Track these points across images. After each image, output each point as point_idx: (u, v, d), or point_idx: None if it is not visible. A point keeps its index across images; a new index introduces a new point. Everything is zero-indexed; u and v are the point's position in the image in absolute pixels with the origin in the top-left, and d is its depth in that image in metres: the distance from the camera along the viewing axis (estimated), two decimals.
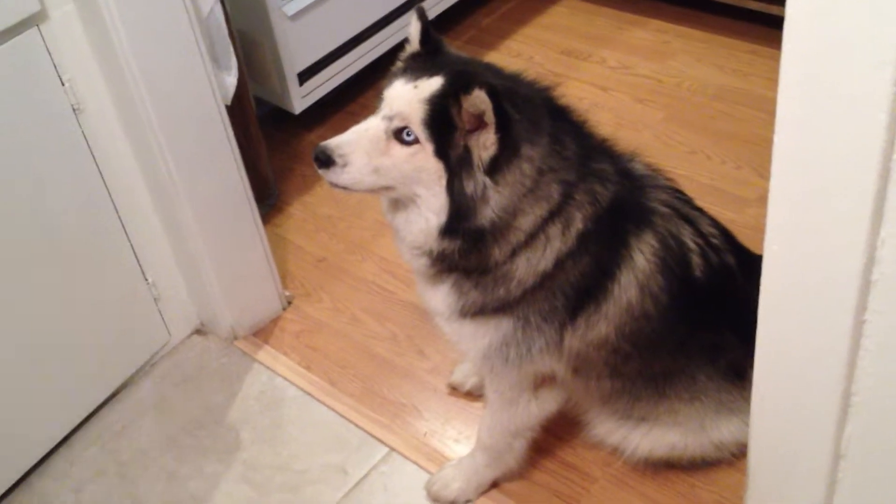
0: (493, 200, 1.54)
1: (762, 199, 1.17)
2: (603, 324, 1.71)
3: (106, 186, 2.13)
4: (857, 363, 1.19)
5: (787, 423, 1.34)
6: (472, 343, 1.76)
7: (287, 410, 2.29)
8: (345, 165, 1.57)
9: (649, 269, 1.70)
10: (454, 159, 1.52)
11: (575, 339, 1.73)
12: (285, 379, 2.37)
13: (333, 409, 2.26)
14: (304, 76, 2.93)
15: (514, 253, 1.61)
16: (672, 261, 1.72)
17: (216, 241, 2.29)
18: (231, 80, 2.33)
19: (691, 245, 1.75)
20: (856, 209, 1.06)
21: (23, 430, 2.15)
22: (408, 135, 1.53)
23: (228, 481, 2.15)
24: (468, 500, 2.03)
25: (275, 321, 2.54)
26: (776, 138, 1.11)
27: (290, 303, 2.57)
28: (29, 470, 2.19)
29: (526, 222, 1.59)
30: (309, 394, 2.33)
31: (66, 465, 2.22)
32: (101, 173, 2.10)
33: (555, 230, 1.61)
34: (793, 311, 1.23)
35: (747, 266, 1.80)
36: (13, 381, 2.09)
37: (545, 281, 1.65)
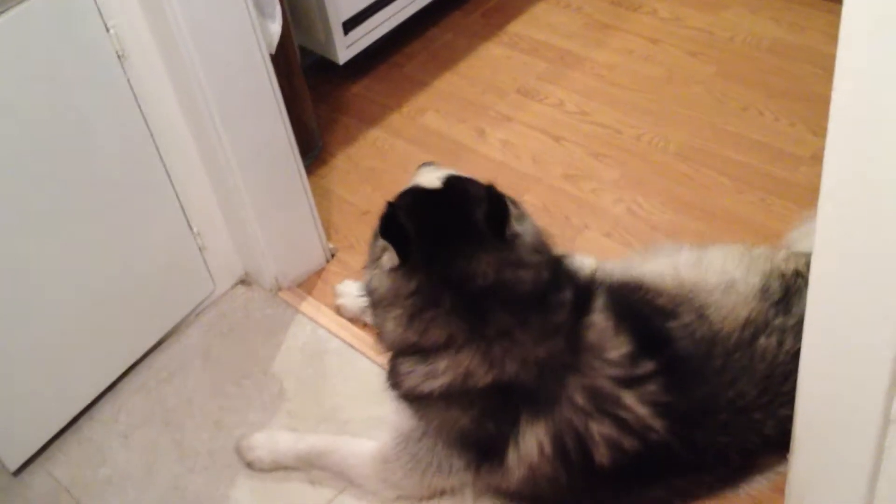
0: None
1: (816, 158, 1.14)
2: (505, 479, 1.82)
3: (151, 135, 2.13)
4: None
5: (835, 388, 1.32)
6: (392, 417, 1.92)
7: (330, 362, 2.30)
8: None
9: (538, 456, 1.76)
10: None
11: (482, 483, 1.88)
12: (328, 331, 2.38)
13: (376, 362, 2.27)
14: (349, 25, 2.90)
15: (410, 353, 1.81)
16: (567, 451, 1.76)
17: (260, 191, 2.29)
18: (275, 27, 2.31)
19: (596, 438, 1.75)
20: None
21: (71, 375, 2.19)
22: None
23: (273, 430, 2.17)
24: None
25: (318, 273, 2.54)
26: (834, 94, 1.07)
27: (333, 255, 2.58)
28: (78, 414, 2.24)
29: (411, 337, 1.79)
30: (352, 346, 2.33)
31: (114, 411, 2.26)
32: (146, 121, 2.10)
33: (443, 364, 1.76)
34: (843, 276, 1.20)
35: (689, 420, 1.77)
36: (62, 328, 2.12)
37: (439, 401, 1.79)
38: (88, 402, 2.25)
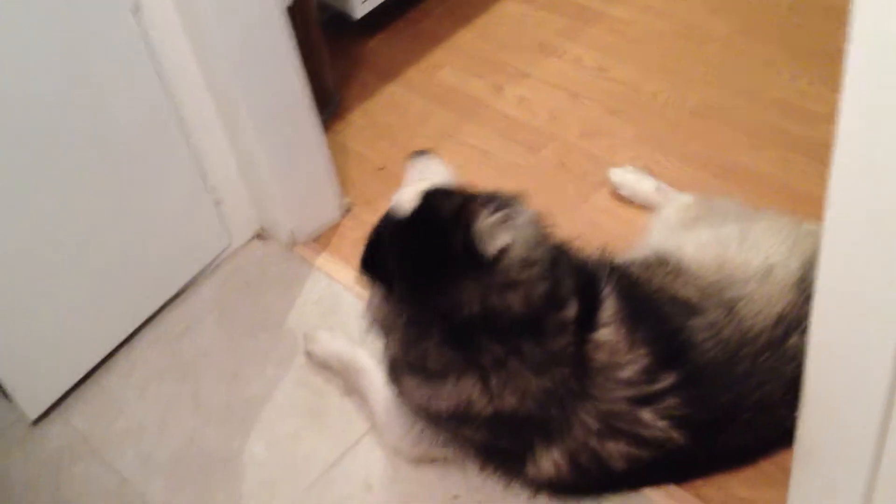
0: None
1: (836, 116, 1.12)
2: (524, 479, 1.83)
3: (165, 89, 2.13)
4: None
5: (844, 351, 1.31)
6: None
7: (345, 317, 2.31)
8: None
9: (555, 471, 1.75)
10: None
11: None
12: (343, 285, 2.39)
13: None
14: None
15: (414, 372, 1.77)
16: (584, 467, 1.74)
17: (276, 145, 2.29)
18: None
19: (614, 454, 1.73)
20: None
21: (89, 326, 2.22)
22: None
23: (287, 384, 2.19)
24: None
25: (334, 228, 2.54)
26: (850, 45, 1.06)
27: (349, 210, 2.58)
28: (95, 367, 2.26)
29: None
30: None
31: (130, 364, 2.29)
32: (160, 75, 2.10)
33: (446, 390, 1.72)
34: (856, 235, 1.19)
35: (710, 427, 1.74)
36: (79, 280, 2.14)
37: (449, 420, 1.78)
38: (105, 353, 2.28)
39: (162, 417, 2.17)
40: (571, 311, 1.66)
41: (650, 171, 2.44)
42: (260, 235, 2.54)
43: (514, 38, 3.03)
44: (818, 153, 2.42)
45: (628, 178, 2.42)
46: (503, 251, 1.59)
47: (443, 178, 1.79)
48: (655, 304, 1.78)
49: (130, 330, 2.32)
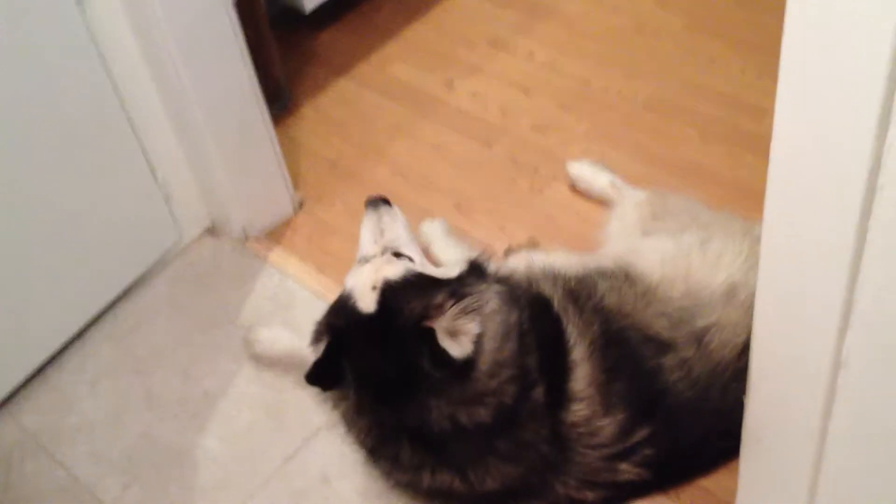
0: None
1: None
2: None
3: (111, 80, 2.10)
4: (860, 270, 1.18)
5: (788, 331, 1.34)
6: None
7: (299, 312, 2.30)
8: None
9: None
10: None
11: None
12: (297, 281, 2.39)
13: None
14: None
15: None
16: None
17: (226, 139, 2.28)
18: None
19: (593, 499, 1.77)
20: (863, 106, 1.03)
21: (36, 323, 2.19)
22: None
23: (241, 379, 2.18)
24: None
25: (287, 224, 2.54)
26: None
27: (301, 205, 2.57)
28: (45, 363, 2.24)
29: None
30: (321, 297, 2.34)
31: (82, 360, 2.26)
32: (105, 69, 2.08)
33: (426, 479, 1.73)
34: (796, 220, 1.22)
35: (683, 457, 1.82)
36: (25, 276, 2.11)
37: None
38: (54, 350, 2.25)
39: (114, 413, 2.15)
40: (540, 391, 1.66)
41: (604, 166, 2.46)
42: (211, 231, 2.53)
43: (466, 32, 3.04)
44: (764, 149, 2.44)
45: (585, 171, 2.43)
46: (472, 360, 1.54)
47: (401, 234, 1.76)
48: (628, 348, 1.75)
49: (81, 325, 2.29)
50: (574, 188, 2.48)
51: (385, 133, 2.73)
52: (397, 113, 2.79)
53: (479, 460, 1.67)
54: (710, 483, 1.88)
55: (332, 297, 2.28)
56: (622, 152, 2.56)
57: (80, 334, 2.30)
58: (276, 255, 2.46)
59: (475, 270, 1.69)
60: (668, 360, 1.74)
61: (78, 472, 2.05)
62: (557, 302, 1.78)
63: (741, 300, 1.78)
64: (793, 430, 1.44)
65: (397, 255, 1.68)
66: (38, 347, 2.22)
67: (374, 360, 1.59)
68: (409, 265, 1.64)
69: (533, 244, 2.35)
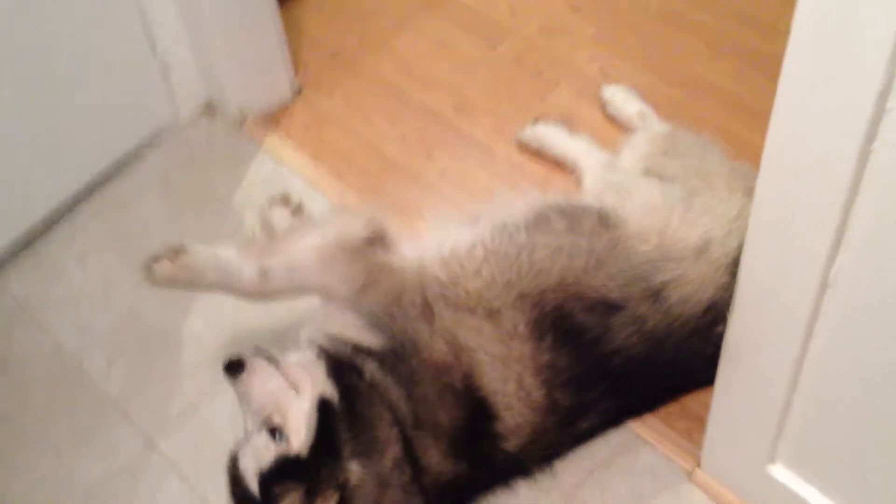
0: None
1: None
2: None
3: None
4: (856, 198, 1.18)
5: (779, 251, 1.34)
6: None
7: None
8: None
9: None
10: None
11: None
12: (291, 168, 2.37)
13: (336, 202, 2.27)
14: None
15: None
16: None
17: (229, 16, 2.23)
18: None
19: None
20: (878, 34, 1.02)
21: (25, 189, 2.18)
22: None
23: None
24: None
25: (284, 111, 2.51)
26: None
27: (300, 92, 2.53)
28: (35, 236, 2.23)
29: None
30: (314, 184, 2.33)
31: (71, 233, 2.26)
32: None
33: None
34: (796, 142, 1.21)
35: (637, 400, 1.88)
36: (16, 140, 2.09)
37: None
38: (44, 222, 2.24)
39: (102, 288, 2.16)
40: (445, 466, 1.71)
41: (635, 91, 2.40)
42: (208, 111, 2.49)
43: None
44: (772, 69, 2.41)
45: (618, 96, 2.38)
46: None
47: (264, 399, 1.68)
48: (566, 325, 1.74)
49: (70, 193, 2.28)
50: (576, 95, 2.45)
51: (390, 26, 2.68)
52: (404, 5, 2.73)
53: None
54: (687, 398, 1.91)
55: (325, 187, 2.31)
56: (628, 61, 2.52)
57: (71, 208, 2.29)
58: (272, 141, 2.44)
59: (329, 433, 1.65)
60: (618, 320, 1.74)
61: (64, 342, 2.07)
62: (460, 336, 1.74)
63: (714, 257, 1.78)
64: (773, 349, 1.46)
65: (272, 430, 1.64)
66: (26, 214, 2.21)
67: None
68: (279, 450, 1.62)
69: (567, 122, 2.33)
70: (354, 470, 1.62)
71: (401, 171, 2.36)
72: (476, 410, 1.70)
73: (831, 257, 1.26)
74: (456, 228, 1.89)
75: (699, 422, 1.83)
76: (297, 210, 2.12)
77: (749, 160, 2.10)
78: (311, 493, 1.57)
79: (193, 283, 1.82)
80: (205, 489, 1.85)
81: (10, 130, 2.07)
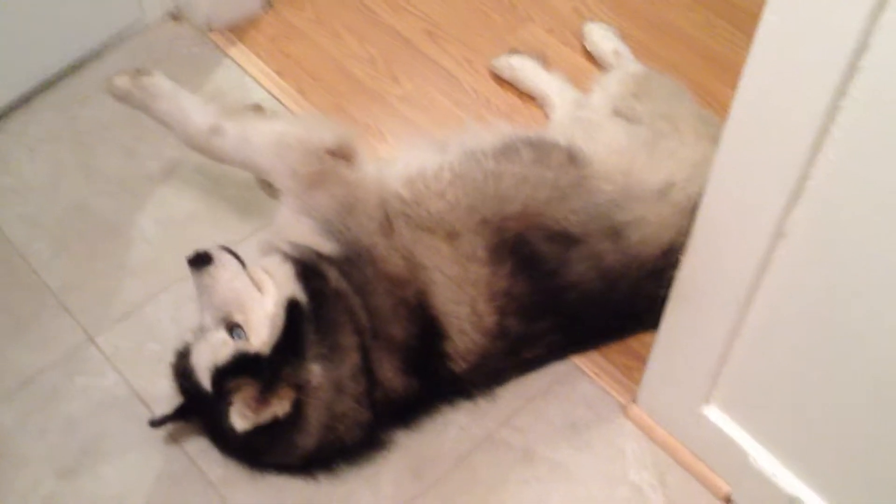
0: None
1: None
2: None
3: None
4: (821, 147, 1.20)
5: (738, 197, 1.36)
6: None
7: None
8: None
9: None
10: None
11: None
12: (255, 80, 2.34)
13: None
14: None
15: None
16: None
17: None
18: None
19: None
20: None
21: None
22: None
23: (185, 168, 2.16)
24: None
25: (252, 21, 2.46)
26: None
27: (271, 5, 2.49)
28: None
29: None
30: (277, 98, 2.30)
31: (24, 123, 2.21)
32: None
33: None
34: (770, 88, 1.22)
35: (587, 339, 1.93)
36: None
37: None
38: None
39: (51, 180, 2.11)
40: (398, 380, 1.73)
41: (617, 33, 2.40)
42: (174, 15, 2.44)
43: None
44: (744, 22, 2.44)
45: (596, 33, 2.38)
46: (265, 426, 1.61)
47: (229, 295, 1.66)
48: (525, 252, 1.75)
49: (27, 90, 2.22)
50: (545, 30, 2.44)
51: None
52: None
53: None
54: (630, 337, 1.93)
55: (287, 102, 2.28)
56: (603, 3, 2.51)
57: (27, 99, 2.23)
58: (237, 51, 2.40)
59: (294, 331, 1.65)
60: (576, 253, 1.75)
61: (8, 232, 2.03)
62: (416, 253, 1.75)
63: (675, 200, 1.79)
64: (722, 292, 1.48)
65: (231, 326, 1.64)
66: None
67: (218, 433, 1.68)
68: (238, 345, 1.62)
69: (541, 56, 2.33)
70: (315, 372, 1.63)
71: (365, 91, 2.34)
72: (428, 328, 1.72)
73: (789, 207, 1.29)
74: (424, 152, 1.88)
75: (638, 359, 1.86)
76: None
77: (714, 110, 2.12)
78: (266, 390, 1.58)
79: (145, 105, 1.86)
80: (143, 386, 1.84)
81: None
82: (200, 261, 1.67)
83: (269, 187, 1.99)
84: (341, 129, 1.87)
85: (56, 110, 2.23)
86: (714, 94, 2.25)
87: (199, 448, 1.77)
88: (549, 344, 1.83)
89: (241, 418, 1.58)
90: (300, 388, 1.61)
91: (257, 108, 2.13)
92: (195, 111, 1.82)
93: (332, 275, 1.71)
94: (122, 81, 1.87)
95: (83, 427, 1.80)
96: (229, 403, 1.58)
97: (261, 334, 1.62)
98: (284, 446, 1.66)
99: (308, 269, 1.71)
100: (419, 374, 1.73)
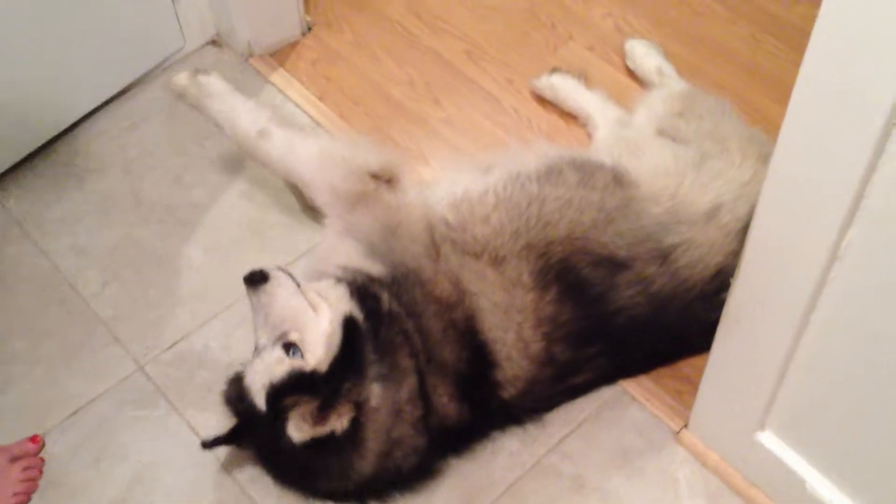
0: None
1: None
2: None
3: None
4: (877, 167, 1.17)
5: (791, 219, 1.34)
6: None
7: None
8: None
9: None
10: None
11: None
12: (297, 105, 2.35)
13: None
14: None
15: None
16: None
17: None
18: None
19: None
20: None
21: (30, 110, 2.15)
22: None
23: (231, 194, 2.17)
24: None
25: (292, 46, 2.48)
26: None
27: (310, 28, 2.51)
28: (35, 151, 2.20)
29: None
30: (319, 124, 2.31)
31: (71, 153, 2.23)
32: None
33: None
34: (823, 107, 1.20)
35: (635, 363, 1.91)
36: (22, 61, 2.06)
37: None
38: (45, 140, 2.22)
39: (100, 210, 2.14)
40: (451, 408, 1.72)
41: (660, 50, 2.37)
42: (216, 42, 2.46)
43: None
44: (790, 37, 2.41)
45: (638, 50, 2.35)
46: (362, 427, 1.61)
47: (285, 313, 1.66)
48: (570, 279, 1.73)
49: (75, 118, 2.25)
50: (587, 48, 2.43)
51: None
52: None
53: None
54: (680, 360, 1.91)
55: (330, 127, 2.28)
56: (643, 20, 2.49)
57: (73, 128, 2.26)
58: (278, 76, 2.41)
59: (351, 349, 1.65)
60: (623, 278, 1.73)
61: (59, 262, 2.05)
62: (464, 279, 1.74)
63: (724, 222, 1.77)
64: (775, 317, 1.46)
65: (287, 345, 1.63)
66: (31, 135, 2.19)
67: (272, 455, 1.68)
68: (294, 364, 1.61)
69: (582, 75, 2.31)
70: (375, 391, 1.62)
71: (406, 114, 2.35)
72: (477, 354, 1.71)
73: (843, 230, 1.26)
74: (468, 175, 1.88)
75: (689, 383, 1.84)
76: None
77: (759, 125, 2.09)
78: (325, 406, 1.57)
79: (200, 103, 1.99)
80: (192, 417, 1.85)
81: (20, 50, 2.04)
82: (257, 279, 1.68)
83: (312, 210, 2.01)
84: (387, 153, 1.89)
85: (103, 139, 2.26)
86: (761, 110, 2.22)
87: (251, 477, 1.78)
88: (596, 369, 1.81)
89: (297, 431, 1.57)
90: (359, 407, 1.60)
91: None
92: (246, 113, 1.91)
93: (385, 296, 1.71)
94: (181, 79, 1.99)
95: (134, 456, 1.81)
96: (286, 419, 1.57)
97: (317, 352, 1.62)
98: (340, 470, 1.65)
99: (361, 290, 1.71)
100: (471, 403, 1.72)
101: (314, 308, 1.67)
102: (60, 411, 1.86)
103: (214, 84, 1.97)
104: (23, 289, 2.02)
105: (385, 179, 1.82)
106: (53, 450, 1.81)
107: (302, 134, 1.91)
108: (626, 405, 1.87)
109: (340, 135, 2.24)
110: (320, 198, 1.83)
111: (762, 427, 1.63)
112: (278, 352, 1.62)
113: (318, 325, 1.64)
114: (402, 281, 1.73)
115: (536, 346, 1.72)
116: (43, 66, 2.10)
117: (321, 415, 1.57)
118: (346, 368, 1.60)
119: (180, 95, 2.00)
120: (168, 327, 1.97)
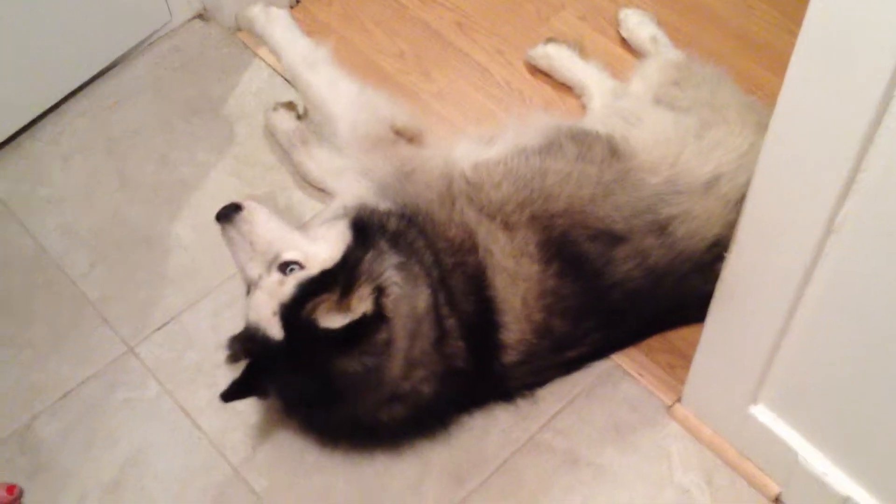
0: None
1: None
2: None
3: None
4: (874, 139, 1.15)
5: (787, 192, 1.32)
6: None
7: None
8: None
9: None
10: None
11: None
12: (285, 79, 2.31)
13: None
14: None
15: None
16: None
17: None
18: None
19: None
20: None
21: (14, 89, 2.12)
22: None
23: (219, 172, 2.15)
24: None
25: None
26: None
27: (298, 1, 2.47)
28: (18, 131, 2.18)
29: None
30: None
31: (56, 132, 2.21)
32: None
33: None
34: (820, 77, 1.17)
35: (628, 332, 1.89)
36: (11, 40, 2.04)
37: None
38: (30, 119, 2.19)
39: (86, 190, 2.11)
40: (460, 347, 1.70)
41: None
42: (202, 16, 2.42)
43: None
44: (783, 4, 2.37)
45: (632, 19, 2.31)
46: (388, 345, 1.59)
47: (269, 236, 1.66)
48: (571, 252, 1.73)
49: (59, 97, 2.22)
50: (578, 18, 2.39)
51: None
52: None
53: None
54: (673, 334, 1.90)
55: None
56: None
57: (57, 106, 2.23)
58: (267, 50, 2.36)
59: (362, 241, 1.64)
60: (621, 252, 1.72)
61: (45, 242, 2.03)
62: (479, 234, 1.74)
63: (723, 192, 1.75)
64: (769, 290, 1.44)
65: (283, 265, 1.61)
66: (14, 114, 2.16)
67: (297, 380, 1.64)
68: (298, 276, 1.60)
69: (577, 45, 2.28)
70: (394, 276, 1.60)
71: (397, 87, 2.31)
72: (485, 307, 1.70)
73: (840, 202, 1.24)
74: (476, 145, 1.89)
75: (682, 357, 1.83)
76: (304, 116, 2.15)
77: (752, 94, 2.07)
78: (345, 293, 1.56)
79: (264, 31, 2.23)
80: (183, 398, 1.84)
81: (2, 27, 2.01)
82: (231, 210, 1.67)
83: (307, 186, 2.08)
84: (416, 117, 2.01)
85: (88, 117, 2.23)
86: (756, 80, 2.19)
87: (243, 458, 1.77)
88: (592, 343, 1.80)
89: (330, 322, 1.54)
90: (381, 291, 1.57)
91: (289, 106, 2.16)
92: (304, 46, 2.14)
93: (392, 220, 1.73)
94: (255, 8, 2.25)
95: (126, 439, 1.81)
96: (314, 322, 1.55)
97: (320, 256, 1.61)
98: (371, 378, 1.60)
99: (364, 216, 1.73)
100: (475, 354, 1.71)
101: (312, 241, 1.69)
102: (50, 394, 1.85)
103: (282, 14, 2.22)
104: (9, 270, 2.00)
105: (407, 137, 1.91)
106: (43, 434, 1.80)
107: (348, 77, 2.04)
108: (619, 380, 1.86)
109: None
110: (342, 134, 1.94)
111: (755, 400, 1.63)
112: (276, 275, 1.61)
113: (315, 230, 1.71)
114: (412, 217, 1.74)
115: (538, 317, 1.72)
116: (27, 44, 2.07)
117: (344, 302, 1.55)
118: (362, 245, 1.62)
119: (247, 25, 2.27)
120: (157, 308, 1.95)
